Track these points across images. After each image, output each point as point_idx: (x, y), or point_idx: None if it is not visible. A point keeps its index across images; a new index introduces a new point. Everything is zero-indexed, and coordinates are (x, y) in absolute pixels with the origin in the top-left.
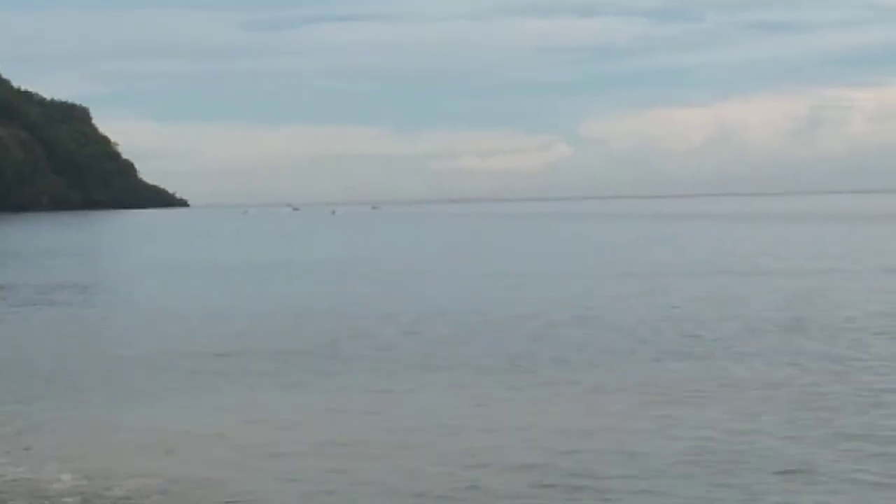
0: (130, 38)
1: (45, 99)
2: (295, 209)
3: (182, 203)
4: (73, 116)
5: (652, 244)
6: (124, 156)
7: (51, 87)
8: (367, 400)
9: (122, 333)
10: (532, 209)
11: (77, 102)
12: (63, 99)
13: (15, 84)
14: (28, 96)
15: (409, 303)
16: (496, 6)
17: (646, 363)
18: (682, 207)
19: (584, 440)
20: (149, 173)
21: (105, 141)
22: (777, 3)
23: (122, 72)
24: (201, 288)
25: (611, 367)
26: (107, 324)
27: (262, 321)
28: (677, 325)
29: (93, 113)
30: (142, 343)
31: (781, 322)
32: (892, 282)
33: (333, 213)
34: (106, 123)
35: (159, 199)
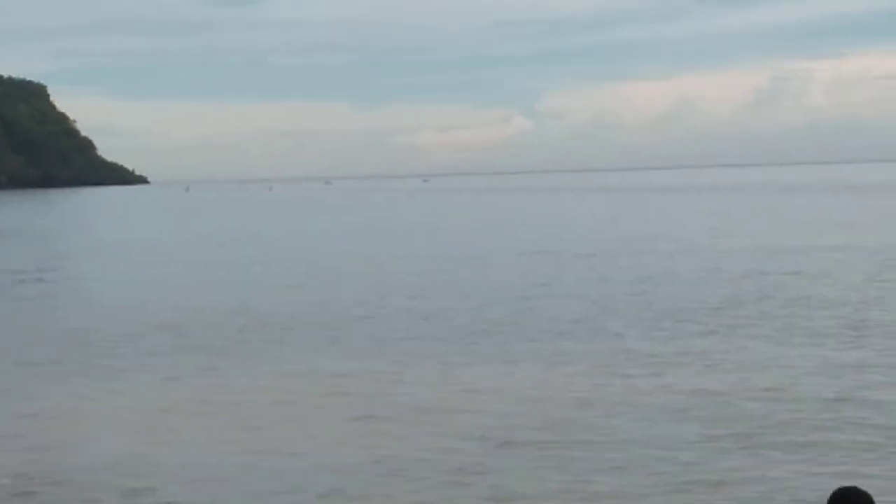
0: (87, 15)
1: (1, 76)
2: (271, 188)
3: (142, 180)
4: (31, 94)
5: (607, 220)
6: (83, 133)
7: (7, 64)
8: (329, 374)
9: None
10: (488, 183)
11: (34, 80)
12: (20, 76)
13: None
14: None
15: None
16: None
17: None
18: (638, 180)
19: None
20: (107, 150)
21: (63, 118)
22: None
23: (79, 48)
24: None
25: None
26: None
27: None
28: (624, 301)
29: (50, 90)
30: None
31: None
32: (839, 257)
33: (270, 189)
34: (63, 101)
35: (118, 176)
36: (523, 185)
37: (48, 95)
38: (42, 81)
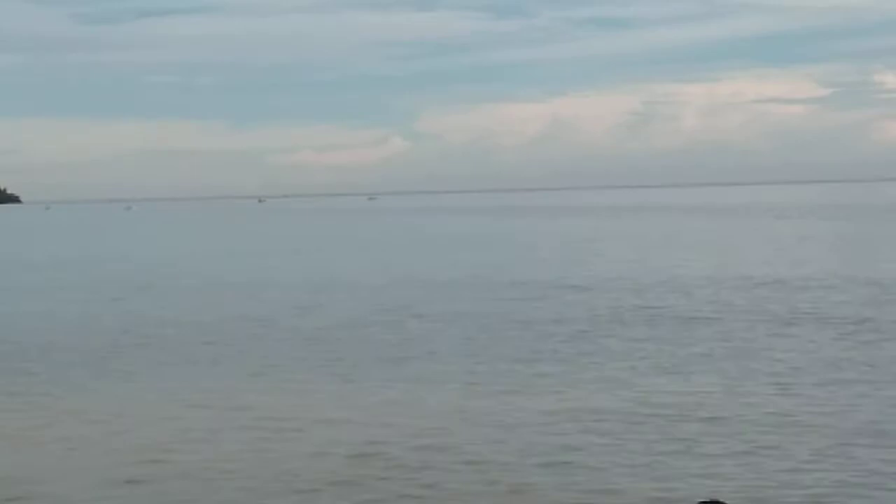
0: None
1: None
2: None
3: (13, 199)
4: None
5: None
6: None
7: None
8: (168, 400)
9: None
10: (362, 204)
11: None
12: None
13: None
14: None
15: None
16: (335, 0)
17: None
18: (512, 201)
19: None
20: None
21: None
22: (609, 0)
23: None
24: None
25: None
26: None
27: None
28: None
29: None
30: None
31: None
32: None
33: (129, 209)
34: None
35: None
36: (394, 206)
37: None
38: None
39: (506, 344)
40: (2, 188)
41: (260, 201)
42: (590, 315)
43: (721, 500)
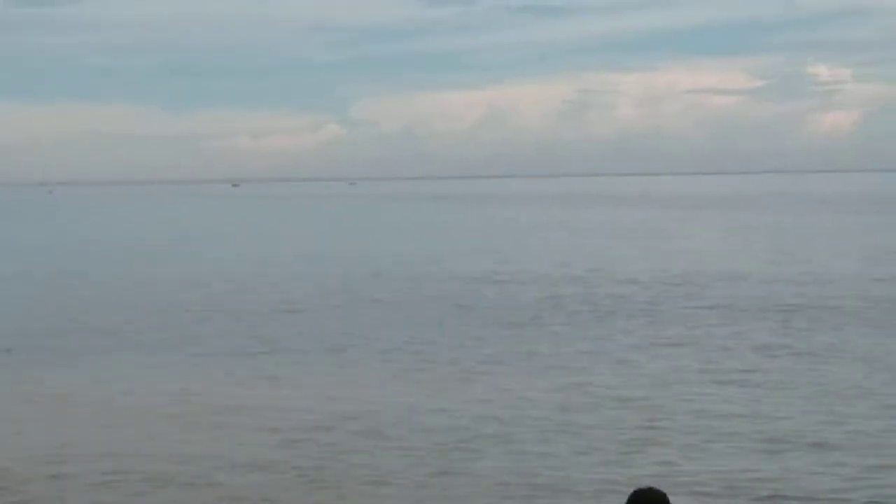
0: None
1: None
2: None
3: None
4: None
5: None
6: None
7: None
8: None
9: None
10: (295, 189)
11: None
12: None
13: None
14: None
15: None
16: None
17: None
18: (446, 188)
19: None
20: None
21: None
22: None
23: None
24: None
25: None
26: None
27: None
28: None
29: None
30: None
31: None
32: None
33: (50, 192)
34: None
35: None
36: (328, 192)
37: None
38: None
39: (436, 331)
40: None
41: (234, 186)
42: (510, 305)
43: (659, 488)
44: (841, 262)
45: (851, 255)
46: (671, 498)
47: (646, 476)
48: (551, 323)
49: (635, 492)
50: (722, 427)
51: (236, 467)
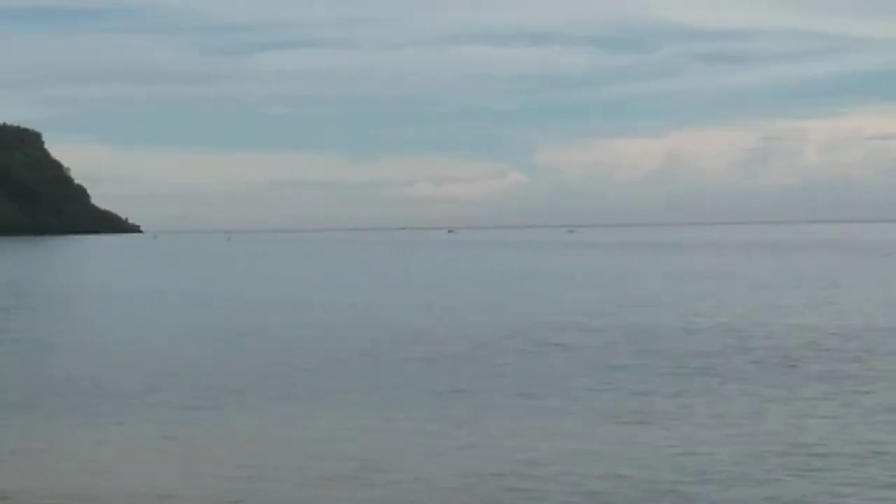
0: (81, 62)
1: None
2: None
3: (134, 229)
4: (25, 141)
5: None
6: (76, 180)
7: (1, 111)
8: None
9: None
10: (504, 237)
11: (29, 127)
12: (15, 123)
13: None
14: None
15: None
16: (450, 34)
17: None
18: (627, 236)
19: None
20: (99, 198)
21: (57, 165)
22: (729, 35)
23: (72, 96)
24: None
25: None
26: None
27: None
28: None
29: (45, 137)
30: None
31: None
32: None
33: (229, 239)
34: (57, 148)
35: (111, 224)
36: (545, 239)
37: (43, 142)
38: (36, 128)
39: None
40: (123, 218)
41: (450, 232)
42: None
43: None
44: None
45: None
46: None
47: None
48: (737, 370)
49: None
50: None
51: None
